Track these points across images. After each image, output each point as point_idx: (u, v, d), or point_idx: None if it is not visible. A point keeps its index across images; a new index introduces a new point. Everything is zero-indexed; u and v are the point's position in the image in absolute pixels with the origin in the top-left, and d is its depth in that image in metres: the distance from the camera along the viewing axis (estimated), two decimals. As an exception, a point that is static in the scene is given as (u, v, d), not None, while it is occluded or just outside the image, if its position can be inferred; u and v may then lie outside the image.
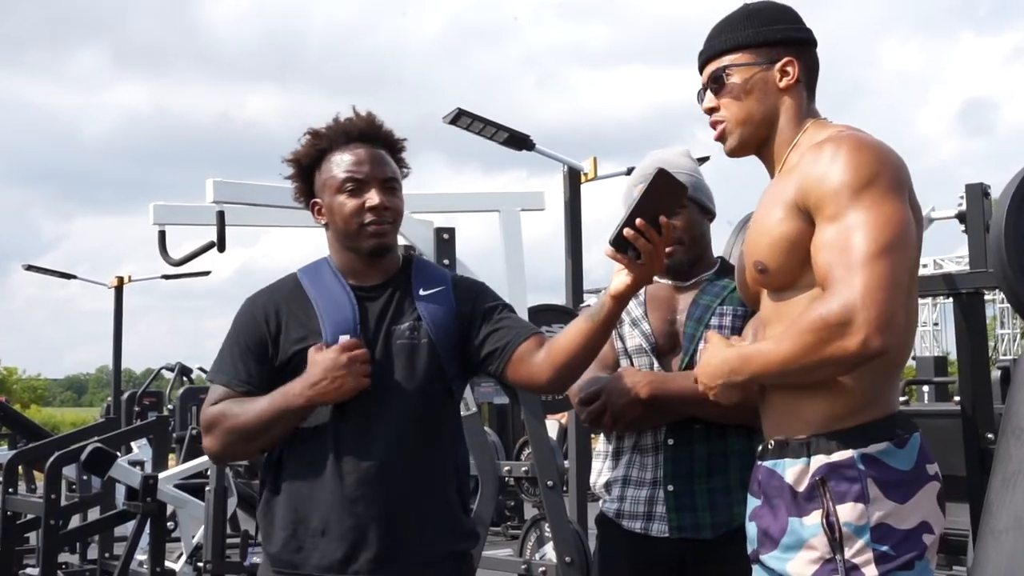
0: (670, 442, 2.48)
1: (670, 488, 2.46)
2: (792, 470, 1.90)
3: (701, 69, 2.10)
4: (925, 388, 10.79)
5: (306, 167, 2.34)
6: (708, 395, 2.00)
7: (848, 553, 1.82)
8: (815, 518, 1.85)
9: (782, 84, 2.01)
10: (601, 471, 2.63)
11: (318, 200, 2.33)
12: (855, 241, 1.78)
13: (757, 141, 2.05)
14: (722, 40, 2.05)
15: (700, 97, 2.10)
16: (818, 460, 1.86)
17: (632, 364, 2.55)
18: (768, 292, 2.02)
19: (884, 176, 1.83)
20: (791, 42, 2.02)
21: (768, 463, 1.97)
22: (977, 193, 3.71)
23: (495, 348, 2.26)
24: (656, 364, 2.53)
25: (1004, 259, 2.32)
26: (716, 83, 2.04)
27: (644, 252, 1.99)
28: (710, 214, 2.63)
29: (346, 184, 2.26)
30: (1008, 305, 28.42)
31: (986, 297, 3.15)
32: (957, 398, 3.30)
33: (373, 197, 2.25)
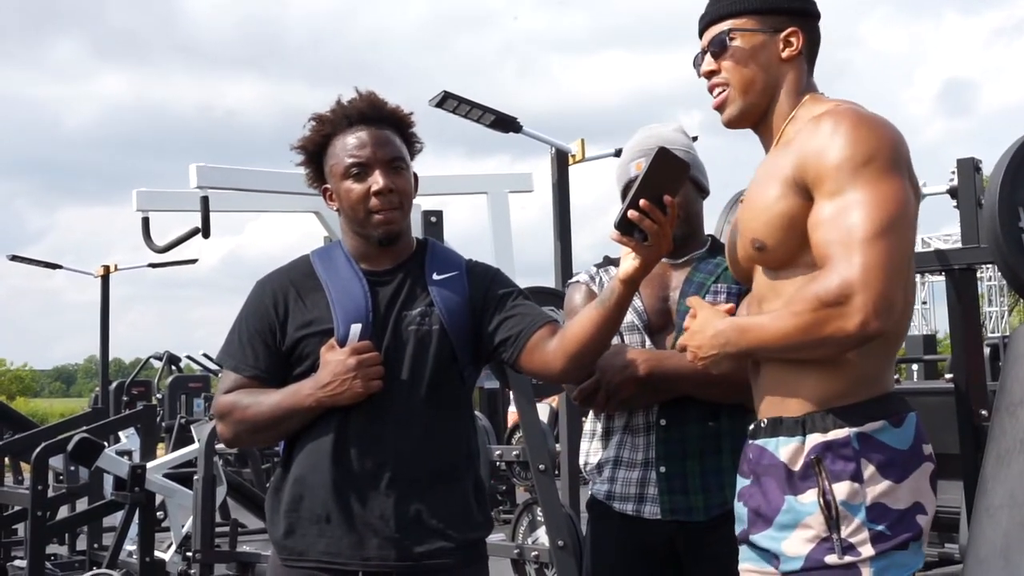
0: (662, 422, 2.45)
1: (662, 469, 2.44)
2: (786, 448, 1.87)
3: (701, 33, 2.06)
4: (915, 366, 10.82)
5: (313, 153, 2.30)
6: (697, 363, 1.96)
7: (844, 532, 1.80)
8: (811, 496, 1.82)
9: (785, 54, 1.97)
10: (590, 451, 2.60)
11: (328, 186, 2.30)
12: (854, 219, 1.75)
13: (757, 112, 2.00)
14: (728, 3, 2.00)
15: (697, 62, 2.06)
16: (813, 438, 1.84)
17: (624, 341, 2.51)
18: (764, 269, 1.98)
19: (884, 152, 1.80)
20: (796, 12, 1.99)
21: (759, 441, 1.94)
22: (968, 168, 3.68)
23: (508, 336, 2.22)
24: (648, 342, 2.50)
25: (998, 234, 2.30)
26: (718, 47, 2.00)
27: (650, 233, 1.96)
28: (704, 191, 2.61)
29: (351, 169, 2.22)
30: (995, 283, 28.55)
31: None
32: (947, 376, 3.30)
33: (378, 180, 2.21)
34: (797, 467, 1.85)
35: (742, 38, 1.97)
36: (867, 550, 1.79)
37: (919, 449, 1.86)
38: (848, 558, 1.80)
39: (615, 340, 2.51)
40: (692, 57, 2.09)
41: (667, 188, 1.94)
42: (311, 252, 2.36)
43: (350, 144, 2.24)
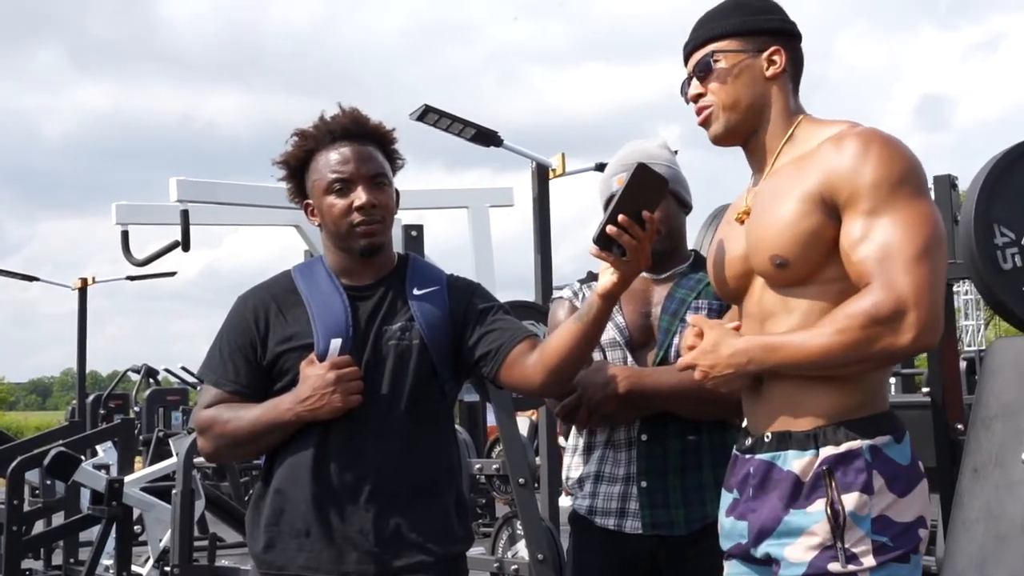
0: (643, 438, 2.46)
1: (643, 484, 2.45)
2: (799, 462, 1.89)
3: (687, 60, 2.09)
4: (892, 379, 10.88)
5: (296, 168, 2.32)
6: (706, 382, 1.96)
7: (848, 542, 1.83)
8: (818, 506, 1.85)
9: (769, 73, 2.01)
10: (571, 466, 2.61)
11: (310, 201, 2.31)
12: (899, 237, 1.80)
13: (744, 129, 2.03)
14: (709, 28, 2.05)
15: (684, 88, 2.09)
16: (827, 451, 1.87)
17: (605, 357, 2.52)
18: (773, 286, 1.98)
19: (915, 174, 1.87)
20: (778, 33, 2.03)
21: (766, 456, 1.94)
22: (945, 185, 3.71)
23: (488, 350, 2.24)
24: (630, 358, 2.51)
25: (973, 249, 2.32)
26: (703, 70, 2.04)
27: (629, 248, 1.97)
28: (687, 207, 2.62)
29: (333, 185, 2.24)
30: (972, 297, 28.75)
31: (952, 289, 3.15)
32: (924, 389, 3.32)
33: (360, 196, 2.22)
34: (807, 478, 1.88)
35: (725, 59, 2.01)
36: (869, 560, 1.83)
37: (917, 465, 1.91)
38: (851, 567, 1.83)
39: (597, 356, 2.52)
40: (672, 75, 2.14)
41: (646, 203, 1.95)
42: (293, 267, 2.37)
43: (333, 160, 2.25)
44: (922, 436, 3.14)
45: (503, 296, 2.80)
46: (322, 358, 2.19)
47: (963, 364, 4.38)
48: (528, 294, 6.10)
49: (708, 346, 1.95)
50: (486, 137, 5.55)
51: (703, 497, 2.42)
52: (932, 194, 3.93)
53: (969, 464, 2.96)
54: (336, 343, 2.20)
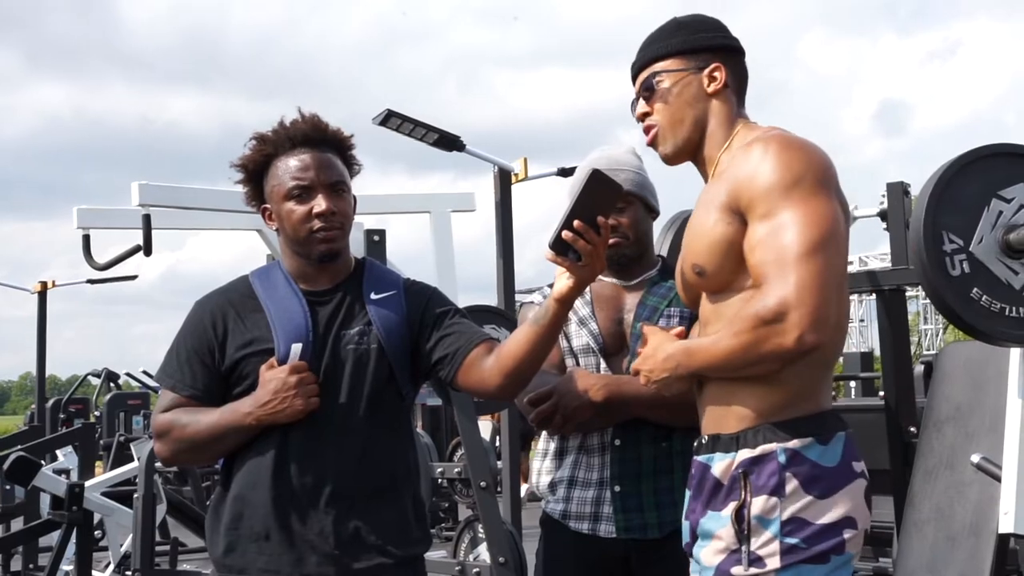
0: (617, 443, 2.49)
1: (617, 489, 2.48)
2: (720, 464, 1.93)
3: (634, 80, 2.15)
4: (852, 384, 10.99)
5: (254, 172, 2.32)
6: (650, 386, 2.02)
7: (754, 544, 1.85)
8: (730, 510, 1.89)
9: (710, 89, 2.06)
10: (542, 470, 2.63)
11: (268, 206, 2.31)
12: (787, 239, 1.83)
13: (690, 146, 2.09)
14: (653, 49, 2.11)
15: (633, 107, 2.14)
16: (743, 454, 1.90)
17: (579, 364, 2.55)
18: (706, 294, 2.04)
19: (812, 173, 1.88)
20: (719, 49, 2.09)
21: (701, 457, 2.00)
22: (898, 191, 3.78)
23: (445, 354, 2.26)
24: (604, 364, 2.54)
25: (923, 256, 2.37)
26: (648, 90, 2.10)
27: (584, 253, 1.99)
28: (654, 212, 2.65)
29: (293, 191, 2.24)
30: (930, 301, 29.02)
31: (910, 293, 3.20)
32: (882, 393, 3.37)
33: (320, 203, 2.23)
34: (726, 481, 1.91)
35: (668, 78, 2.07)
36: (774, 562, 1.84)
37: (849, 466, 1.91)
38: (753, 570, 1.85)
39: (569, 362, 2.55)
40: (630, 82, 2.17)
41: (601, 209, 1.98)
42: (250, 273, 2.38)
43: (293, 166, 2.26)
44: (881, 439, 3.20)
45: (465, 300, 2.84)
46: (282, 363, 2.20)
47: (921, 368, 4.44)
48: (491, 298, 6.13)
49: (649, 351, 2.03)
50: (448, 142, 5.57)
51: (675, 500, 2.43)
52: (886, 201, 4.01)
53: (921, 467, 3.02)
54: (296, 348, 2.21)
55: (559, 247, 1.99)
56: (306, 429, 2.19)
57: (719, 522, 1.90)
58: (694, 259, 1.99)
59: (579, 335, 2.57)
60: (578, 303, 2.56)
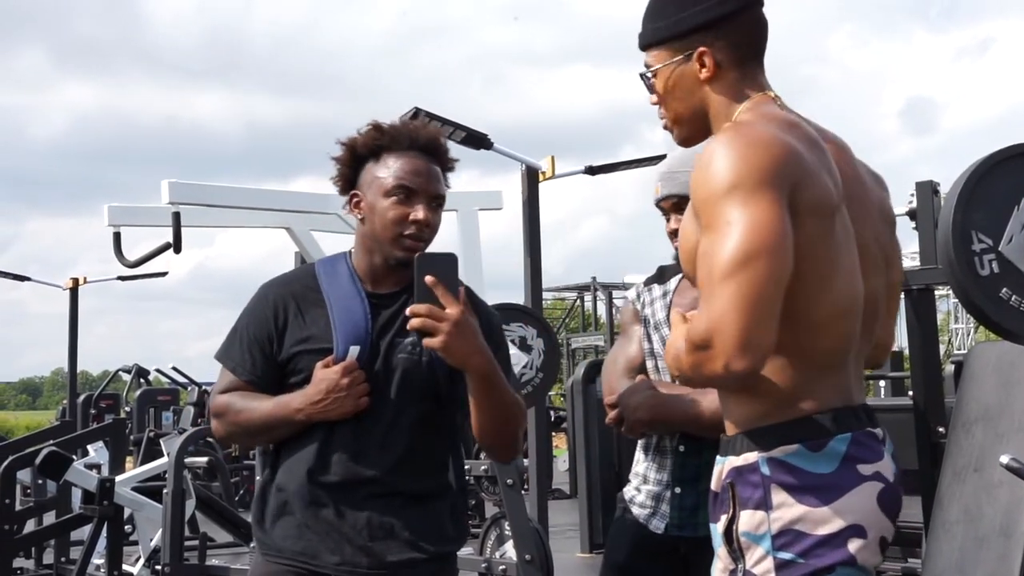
0: (681, 448, 2.60)
1: (677, 491, 2.60)
2: (716, 470, 1.82)
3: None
4: (882, 383, 10.92)
5: (359, 156, 2.31)
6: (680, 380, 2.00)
7: (749, 562, 1.71)
8: (722, 524, 1.76)
9: (702, 76, 1.86)
10: (637, 460, 2.77)
11: (359, 193, 2.31)
12: (716, 253, 1.65)
13: (699, 134, 1.92)
14: (641, 38, 1.94)
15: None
16: (730, 462, 1.77)
17: (657, 364, 2.65)
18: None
19: (755, 174, 1.65)
20: (707, 26, 1.84)
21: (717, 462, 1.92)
22: (927, 191, 3.75)
23: (463, 396, 2.27)
24: (660, 364, 2.64)
25: (952, 256, 2.36)
26: (647, 86, 1.94)
27: (428, 329, 2.11)
28: None
29: (397, 190, 2.25)
30: (962, 300, 28.73)
31: (941, 293, 3.18)
32: (911, 393, 3.35)
33: (420, 212, 2.24)
34: (719, 490, 1.80)
35: (658, 75, 1.91)
36: None
37: (853, 470, 1.71)
38: None
39: (649, 363, 2.67)
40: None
41: (445, 280, 2.12)
42: (317, 262, 2.40)
43: (406, 166, 2.26)
44: (908, 439, 3.18)
45: (492, 298, 2.85)
46: (339, 362, 2.23)
47: (952, 367, 4.40)
48: (517, 296, 6.13)
49: (671, 340, 1.89)
50: (476, 140, 5.58)
51: None
52: (915, 200, 3.98)
53: (950, 467, 3.00)
54: (355, 350, 2.23)
55: (419, 334, 2.15)
56: (352, 429, 2.24)
57: (717, 539, 1.78)
58: (685, 267, 1.86)
59: (655, 338, 2.68)
60: (658, 306, 2.68)
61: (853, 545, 1.68)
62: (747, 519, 1.71)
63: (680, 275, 2.67)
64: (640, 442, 2.76)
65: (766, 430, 1.73)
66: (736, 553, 1.73)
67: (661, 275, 2.77)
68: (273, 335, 2.29)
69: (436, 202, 2.28)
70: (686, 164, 2.52)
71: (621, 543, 2.72)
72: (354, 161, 2.32)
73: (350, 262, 2.34)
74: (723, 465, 1.78)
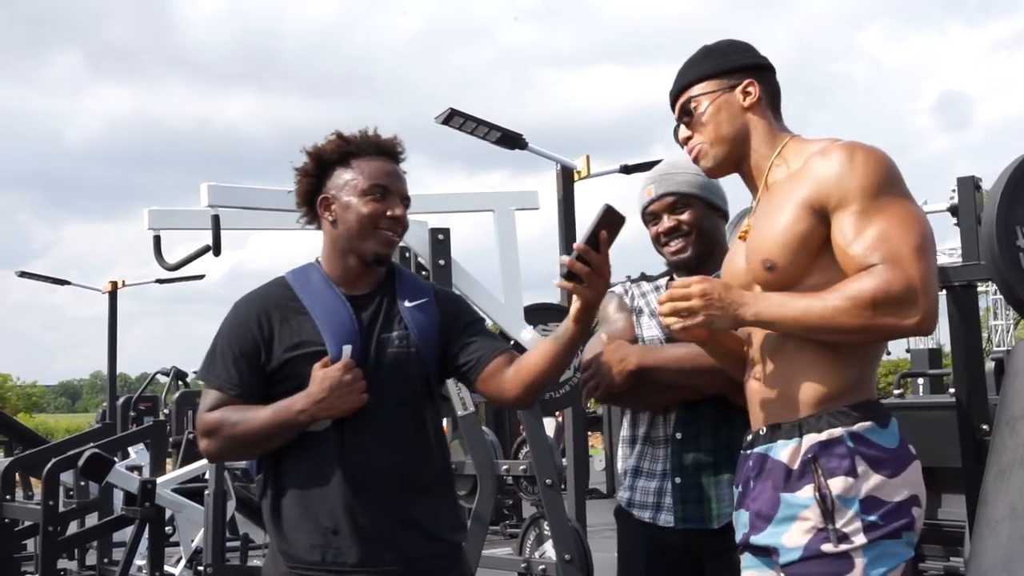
0: (678, 436, 2.56)
1: (677, 481, 2.55)
2: (785, 450, 2.02)
3: (673, 107, 2.25)
4: (920, 380, 10.82)
5: (326, 163, 2.40)
6: (679, 318, 2.02)
7: (839, 523, 1.95)
8: (808, 492, 1.98)
9: (746, 103, 2.15)
10: (620, 457, 2.75)
11: (329, 196, 2.38)
12: (897, 233, 1.92)
13: (733, 159, 2.18)
14: (687, 76, 2.22)
15: (676, 134, 2.25)
16: (810, 439, 2.00)
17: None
18: (765, 290, 2.07)
19: (898, 179, 2.00)
20: (749, 68, 2.18)
21: (760, 449, 2.07)
22: (969, 186, 3.71)
23: (468, 360, 2.40)
24: None
25: (995, 251, 2.34)
26: (687, 115, 2.19)
27: (583, 275, 2.13)
28: (720, 211, 2.70)
29: (374, 189, 2.35)
30: (1000, 296, 28.48)
31: (979, 289, 3.15)
32: (952, 390, 3.32)
33: (397, 209, 2.37)
34: (795, 466, 2.00)
35: (704, 100, 2.17)
36: (860, 539, 1.94)
37: (906, 448, 2.02)
38: (843, 546, 1.94)
39: None
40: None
41: (609, 237, 2.13)
42: (287, 274, 2.45)
43: (379, 169, 2.38)
44: (948, 437, 3.15)
45: (527, 298, 2.87)
46: (335, 362, 2.29)
47: (992, 364, 4.36)
48: (553, 296, 6.13)
49: (695, 291, 2.01)
50: (511, 140, 5.59)
51: (733, 493, 2.48)
52: (956, 196, 3.94)
53: (994, 464, 2.97)
54: (348, 348, 2.31)
55: (568, 275, 2.15)
56: (357, 427, 2.30)
57: (800, 503, 1.98)
58: (765, 254, 2.04)
59: (649, 327, 2.65)
60: (651, 296, 2.68)
61: (915, 511, 1.99)
62: (838, 485, 1.96)
63: (668, 277, 2.70)
64: (623, 434, 2.74)
65: (848, 408, 2.00)
66: (828, 514, 1.95)
67: (645, 277, 2.79)
68: (260, 346, 2.34)
69: (406, 202, 2.41)
70: (680, 167, 2.62)
71: (632, 553, 2.67)
72: (319, 169, 2.41)
73: (322, 269, 2.42)
74: (799, 444, 2.01)
